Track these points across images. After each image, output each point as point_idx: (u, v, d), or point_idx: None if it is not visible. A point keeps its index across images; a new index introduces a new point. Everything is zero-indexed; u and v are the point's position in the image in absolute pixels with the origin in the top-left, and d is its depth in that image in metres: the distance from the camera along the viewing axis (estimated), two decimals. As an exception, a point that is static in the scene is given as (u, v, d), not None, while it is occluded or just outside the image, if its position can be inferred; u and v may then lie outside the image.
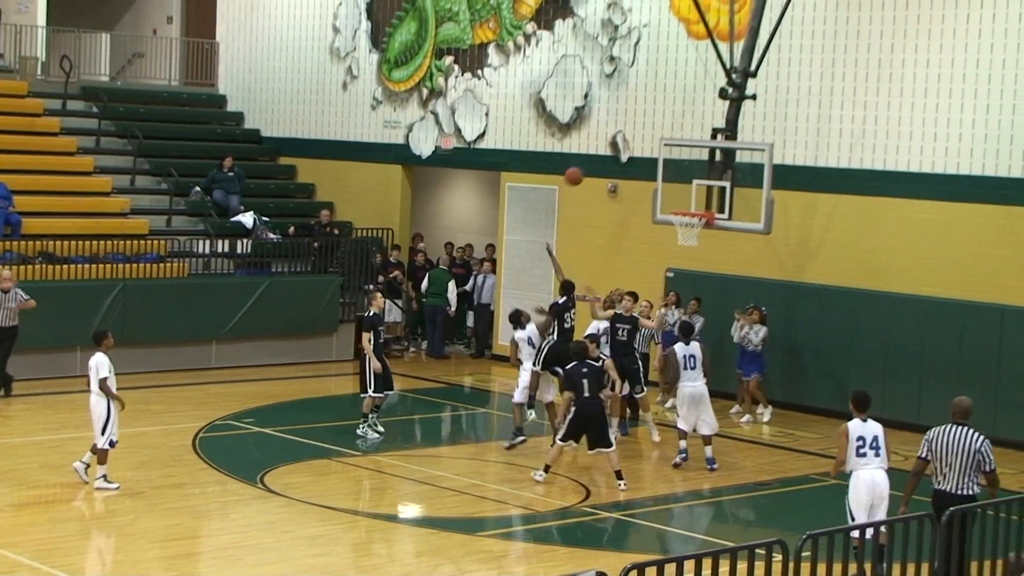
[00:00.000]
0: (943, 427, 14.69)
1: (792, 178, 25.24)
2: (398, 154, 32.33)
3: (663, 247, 26.30)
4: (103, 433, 18.17)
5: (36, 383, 25.07)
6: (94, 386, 18.23)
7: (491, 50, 30.56)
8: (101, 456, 18.22)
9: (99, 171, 30.87)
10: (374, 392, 21.95)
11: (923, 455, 14.70)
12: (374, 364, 21.78)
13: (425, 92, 31.82)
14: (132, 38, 36.80)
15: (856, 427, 15.38)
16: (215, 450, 20.89)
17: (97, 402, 18.23)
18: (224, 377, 26.89)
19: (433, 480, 19.67)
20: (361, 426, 22.14)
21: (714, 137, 24.28)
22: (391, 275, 30.45)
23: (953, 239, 24.12)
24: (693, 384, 21.06)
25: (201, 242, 29.38)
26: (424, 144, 31.89)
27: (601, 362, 19.97)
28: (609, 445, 19.45)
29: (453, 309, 30.46)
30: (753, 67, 24.01)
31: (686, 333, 21.54)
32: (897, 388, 24.50)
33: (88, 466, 18.42)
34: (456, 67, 31.24)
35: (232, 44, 35.90)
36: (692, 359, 21.14)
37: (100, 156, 31.42)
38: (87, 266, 26.91)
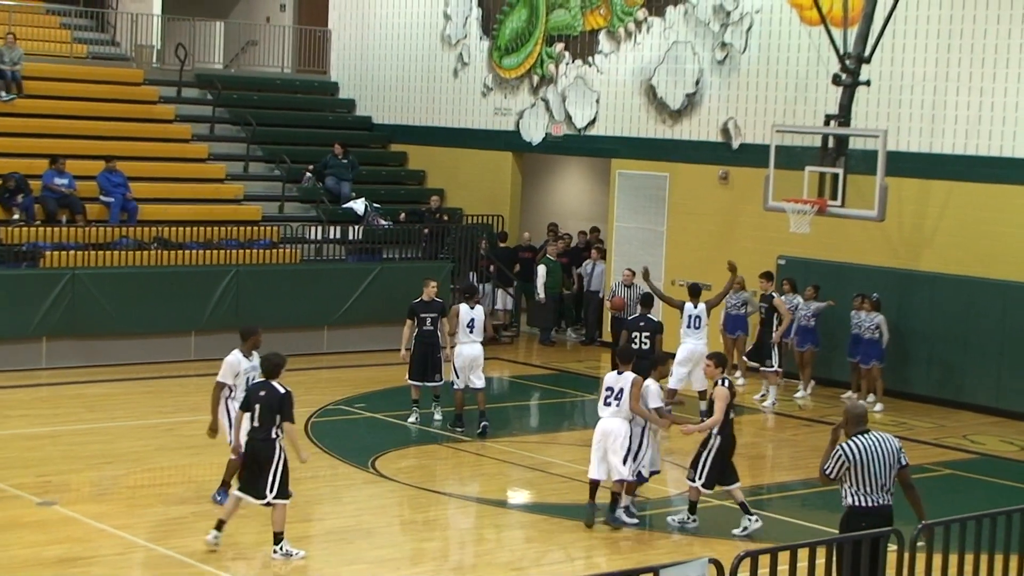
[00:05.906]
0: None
1: (906, 165, 24.96)
2: (508, 141, 32.36)
3: (774, 234, 26.16)
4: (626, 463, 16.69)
5: (151, 367, 25.40)
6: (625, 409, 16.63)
7: (602, 37, 30.49)
8: (629, 487, 16.90)
9: (213, 158, 31.22)
10: (408, 379, 21.78)
11: None
12: (403, 352, 21.63)
13: (536, 79, 31.82)
14: (246, 26, 37.17)
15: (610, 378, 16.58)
16: (327, 434, 21.04)
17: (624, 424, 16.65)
18: (335, 362, 27.09)
19: (542, 466, 19.68)
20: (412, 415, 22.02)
21: (827, 123, 24.12)
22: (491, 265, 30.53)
23: (1071, 227, 23.77)
24: (696, 343, 22.32)
25: (313, 228, 29.63)
26: (534, 131, 31.90)
27: None
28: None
29: (543, 297, 30.30)
30: (867, 53, 23.79)
31: (694, 294, 22.79)
32: (1012, 378, 24.20)
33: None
34: (567, 54, 31.21)
35: (344, 32, 36.12)
36: (697, 319, 22.56)
37: (214, 143, 31.77)
38: (201, 252, 27.20)
